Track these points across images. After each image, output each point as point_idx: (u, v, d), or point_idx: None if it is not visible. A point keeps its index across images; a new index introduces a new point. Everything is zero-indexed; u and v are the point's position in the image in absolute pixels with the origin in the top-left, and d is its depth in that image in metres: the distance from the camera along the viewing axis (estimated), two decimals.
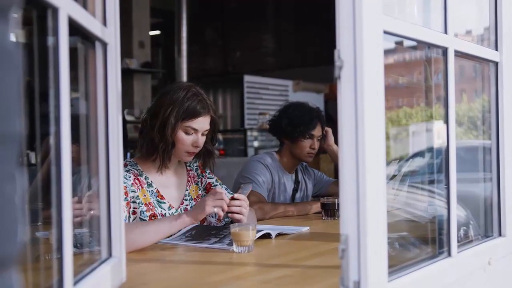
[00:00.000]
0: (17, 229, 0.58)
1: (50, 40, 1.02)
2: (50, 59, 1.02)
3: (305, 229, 2.34)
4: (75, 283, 1.09)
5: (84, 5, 1.25)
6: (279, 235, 2.17)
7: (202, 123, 2.21)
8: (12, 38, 0.60)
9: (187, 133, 2.19)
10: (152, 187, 2.22)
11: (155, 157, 2.22)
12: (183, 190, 2.33)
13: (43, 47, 1.03)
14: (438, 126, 1.87)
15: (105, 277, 1.28)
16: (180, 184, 2.33)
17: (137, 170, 2.22)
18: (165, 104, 2.17)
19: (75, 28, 1.12)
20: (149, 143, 2.20)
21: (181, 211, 2.26)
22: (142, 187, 2.19)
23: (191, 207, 2.29)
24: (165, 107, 2.17)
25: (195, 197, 2.35)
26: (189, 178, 2.38)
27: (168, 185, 2.28)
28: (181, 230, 2.09)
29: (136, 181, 2.17)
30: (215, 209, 2.00)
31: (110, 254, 1.36)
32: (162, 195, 2.23)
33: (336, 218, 2.62)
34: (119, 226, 1.39)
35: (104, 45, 1.35)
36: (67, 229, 1.01)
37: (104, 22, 1.35)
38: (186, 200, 2.32)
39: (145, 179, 2.22)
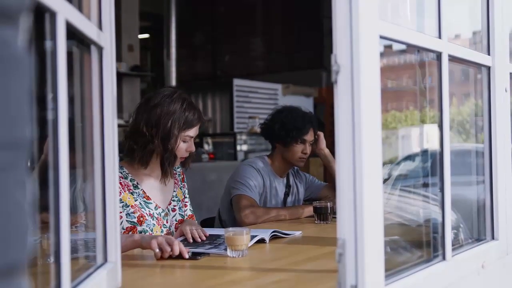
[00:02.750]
0: (27, 235, 0.58)
1: (48, 44, 1.01)
2: (48, 63, 1.01)
3: (298, 233, 2.35)
4: None
5: (80, 9, 1.24)
6: (274, 238, 2.17)
7: (197, 130, 2.32)
8: (22, 43, 0.59)
9: (184, 141, 2.28)
10: (139, 188, 2.27)
11: (146, 166, 2.28)
12: (171, 191, 2.40)
13: (40, 51, 1.02)
14: (428, 129, 1.88)
15: (101, 282, 1.27)
16: (168, 185, 2.39)
17: (121, 173, 2.25)
18: (162, 115, 2.21)
19: (71, 32, 1.11)
20: (148, 154, 2.24)
21: (168, 211, 2.34)
22: (125, 190, 2.23)
23: (179, 208, 2.39)
24: (164, 118, 2.21)
25: (181, 199, 2.44)
26: (176, 181, 2.45)
27: (155, 187, 2.34)
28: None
29: (119, 184, 2.19)
30: (157, 250, 1.82)
31: (105, 259, 1.36)
32: (148, 196, 2.28)
33: (328, 222, 2.63)
34: (115, 232, 1.38)
35: (100, 49, 1.34)
36: (64, 234, 1.01)
37: (100, 26, 1.34)
38: (174, 200, 2.40)
39: (131, 181, 2.27)
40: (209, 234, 2.21)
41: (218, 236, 2.15)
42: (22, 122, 0.57)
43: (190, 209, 2.50)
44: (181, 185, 2.47)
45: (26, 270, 0.59)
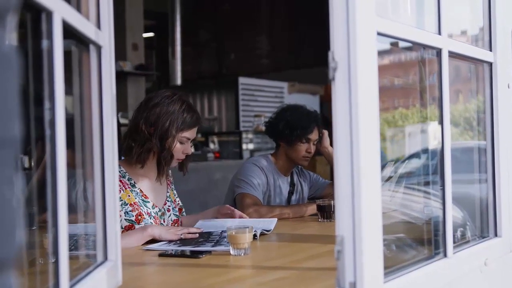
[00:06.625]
0: (16, 232, 0.58)
1: (44, 44, 1.01)
2: (45, 62, 1.01)
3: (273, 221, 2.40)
4: (71, 286, 1.08)
5: (78, 8, 1.24)
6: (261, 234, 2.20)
7: (194, 132, 2.36)
8: (10, 42, 0.59)
9: (181, 142, 2.32)
10: (136, 187, 2.31)
11: (143, 164, 2.30)
12: (165, 192, 2.45)
13: (37, 50, 1.02)
14: (434, 127, 1.88)
15: (101, 280, 1.27)
16: (162, 186, 2.44)
17: (119, 172, 2.27)
18: (161, 114, 2.26)
19: (69, 31, 1.12)
20: (146, 152, 2.27)
21: (164, 210, 2.40)
22: (125, 188, 2.27)
23: (173, 208, 2.44)
24: (163, 118, 2.25)
25: (173, 200, 2.49)
26: (169, 182, 2.51)
27: (151, 187, 2.38)
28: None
29: (119, 183, 2.22)
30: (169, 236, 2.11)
31: (106, 258, 1.36)
32: (145, 195, 2.33)
33: (332, 220, 2.62)
34: (115, 230, 1.38)
35: (99, 48, 1.34)
36: (62, 233, 1.01)
37: (98, 25, 1.35)
38: (168, 201, 2.45)
39: (128, 180, 2.31)
40: (204, 232, 2.22)
41: (210, 235, 2.15)
42: (11, 120, 0.58)
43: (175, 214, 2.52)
44: (172, 187, 2.53)
45: (15, 265, 0.59)
